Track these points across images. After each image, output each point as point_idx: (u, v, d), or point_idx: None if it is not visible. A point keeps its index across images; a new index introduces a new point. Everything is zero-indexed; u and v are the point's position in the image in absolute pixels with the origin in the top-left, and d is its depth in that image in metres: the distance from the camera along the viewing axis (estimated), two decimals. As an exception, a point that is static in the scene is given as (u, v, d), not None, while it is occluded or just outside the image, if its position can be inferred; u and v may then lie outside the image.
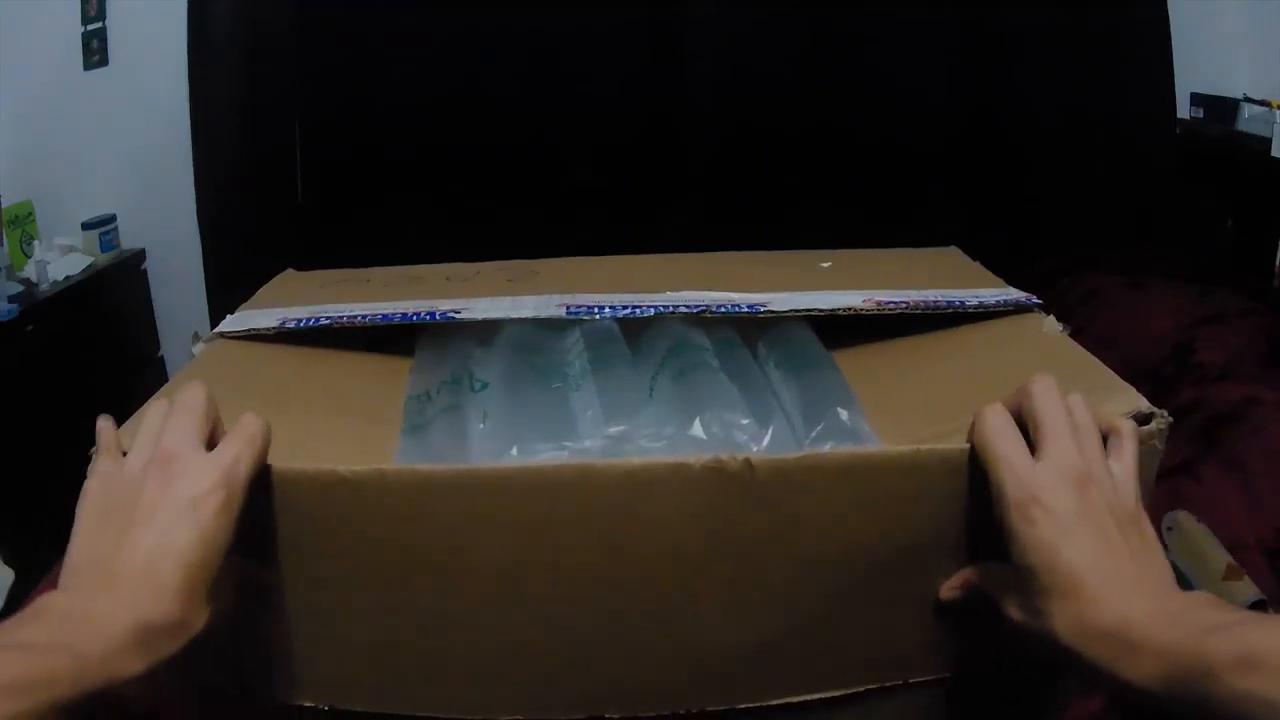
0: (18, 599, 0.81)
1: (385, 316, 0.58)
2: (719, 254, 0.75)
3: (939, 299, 0.60)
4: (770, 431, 0.48)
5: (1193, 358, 0.98)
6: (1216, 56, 1.55)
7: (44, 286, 1.57)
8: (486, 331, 0.63)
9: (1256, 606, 0.75)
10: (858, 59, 1.49)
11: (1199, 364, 0.95)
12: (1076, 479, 0.39)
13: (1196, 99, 1.57)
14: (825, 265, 0.70)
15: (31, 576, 0.75)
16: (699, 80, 1.50)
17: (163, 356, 1.80)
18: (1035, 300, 0.62)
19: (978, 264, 0.73)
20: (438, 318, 0.58)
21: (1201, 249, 1.47)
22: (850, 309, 0.57)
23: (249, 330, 0.59)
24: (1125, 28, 1.48)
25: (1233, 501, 0.56)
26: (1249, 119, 1.45)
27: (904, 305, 0.59)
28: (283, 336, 0.58)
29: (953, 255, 0.77)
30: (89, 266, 1.65)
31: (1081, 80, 1.47)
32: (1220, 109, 1.52)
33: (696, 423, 0.49)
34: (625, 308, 0.57)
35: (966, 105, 1.51)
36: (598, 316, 0.58)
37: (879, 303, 0.58)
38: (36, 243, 1.63)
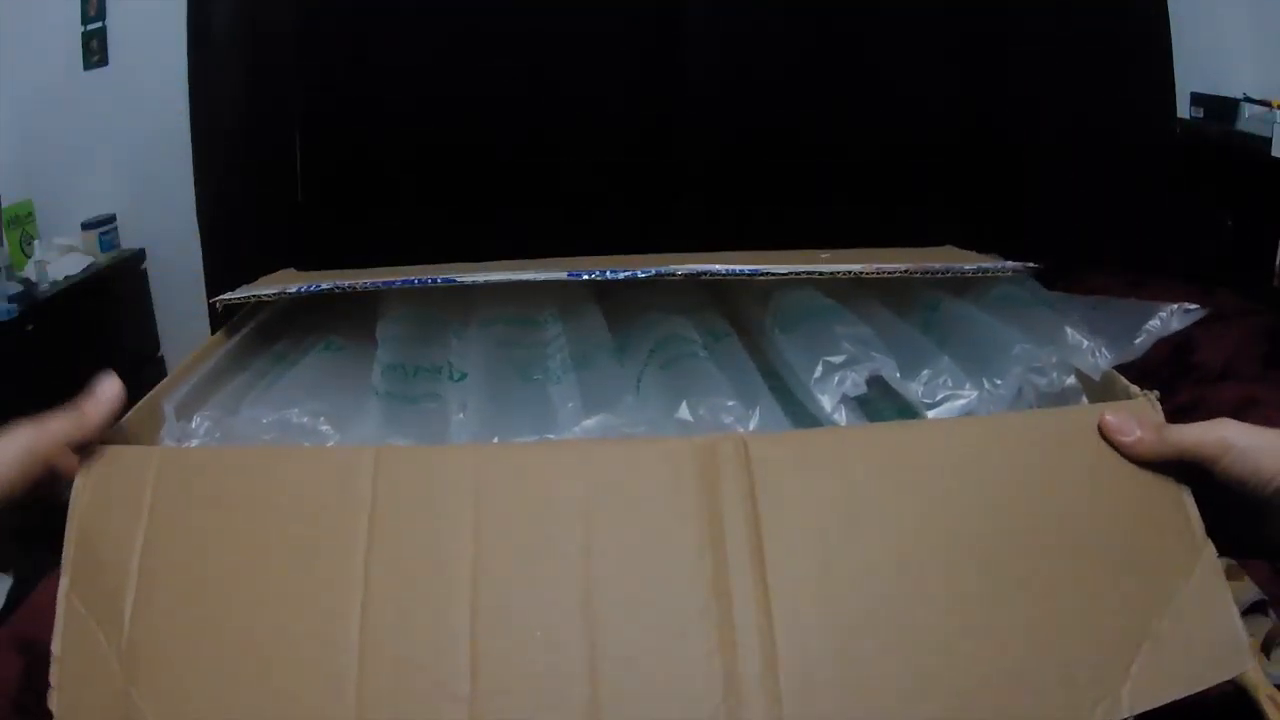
0: (16, 601, 0.81)
1: (387, 283, 0.58)
2: (718, 254, 0.76)
3: (938, 266, 0.61)
4: (757, 412, 0.48)
5: (1192, 358, 0.98)
6: (1216, 56, 1.55)
7: (44, 286, 1.57)
8: (462, 323, 0.64)
9: (1256, 607, 0.75)
10: (858, 62, 1.49)
11: (1199, 364, 0.95)
12: None
13: (1196, 99, 1.57)
14: (825, 255, 0.70)
15: (30, 577, 0.75)
16: (699, 83, 1.50)
17: (163, 356, 1.80)
18: (1033, 265, 0.63)
19: (973, 252, 0.74)
20: (438, 281, 0.57)
21: (1201, 249, 1.47)
22: (851, 273, 0.58)
23: (251, 297, 0.59)
24: (1125, 28, 1.48)
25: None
26: (1249, 119, 1.45)
27: (904, 271, 0.59)
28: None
29: (949, 250, 0.78)
30: (89, 266, 1.66)
31: (1081, 81, 1.47)
32: (1220, 109, 1.52)
33: (683, 406, 0.49)
34: (625, 271, 0.57)
35: (966, 107, 1.51)
36: (599, 278, 0.57)
37: (880, 269, 0.59)
38: (36, 242, 1.63)
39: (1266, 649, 0.70)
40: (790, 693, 0.36)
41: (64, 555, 0.42)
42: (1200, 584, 0.41)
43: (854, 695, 0.37)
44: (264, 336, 0.64)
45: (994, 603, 0.39)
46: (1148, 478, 0.43)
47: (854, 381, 0.50)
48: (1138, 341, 0.52)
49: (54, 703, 0.38)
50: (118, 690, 0.38)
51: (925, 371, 0.51)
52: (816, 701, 0.36)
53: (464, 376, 0.56)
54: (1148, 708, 0.38)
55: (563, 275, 0.57)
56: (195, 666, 0.39)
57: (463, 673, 0.38)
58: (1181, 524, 0.42)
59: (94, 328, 1.63)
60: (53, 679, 0.39)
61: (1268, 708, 0.61)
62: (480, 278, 0.57)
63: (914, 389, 0.51)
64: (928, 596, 0.39)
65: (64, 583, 0.41)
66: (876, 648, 0.38)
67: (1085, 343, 0.52)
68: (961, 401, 0.50)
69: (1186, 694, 0.38)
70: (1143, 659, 0.39)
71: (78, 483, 0.43)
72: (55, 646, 0.39)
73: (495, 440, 0.48)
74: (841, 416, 0.50)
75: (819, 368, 0.51)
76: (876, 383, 0.51)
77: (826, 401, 0.50)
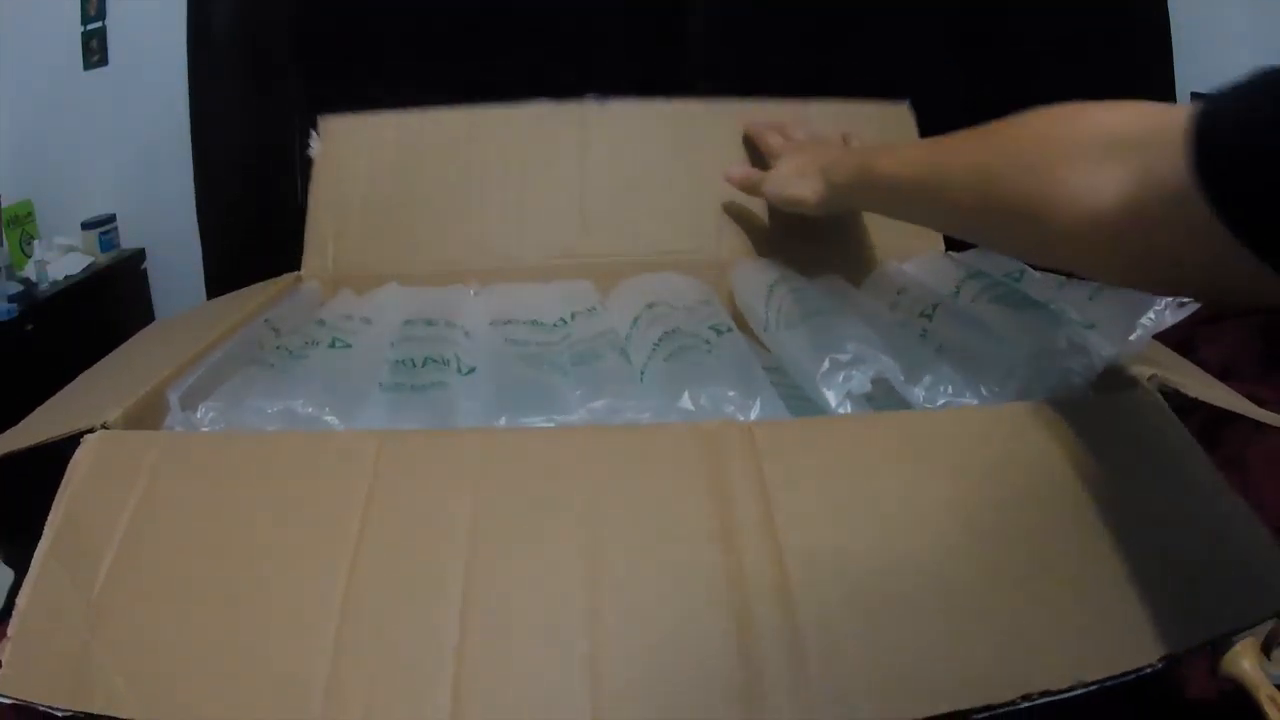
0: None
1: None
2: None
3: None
4: (758, 403, 0.49)
5: (1193, 356, 0.97)
6: (1217, 56, 1.55)
7: (44, 286, 1.57)
8: (471, 322, 0.64)
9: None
10: (858, 60, 1.49)
11: (1199, 363, 0.94)
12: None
13: (1197, 99, 1.57)
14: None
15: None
16: (699, 86, 1.50)
17: (163, 356, 1.80)
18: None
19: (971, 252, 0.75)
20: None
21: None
22: None
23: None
24: (1126, 27, 1.48)
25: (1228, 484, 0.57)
26: (1249, 119, 1.45)
27: None
28: None
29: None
30: (89, 266, 1.65)
31: (1082, 79, 1.47)
32: (1220, 109, 1.52)
33: (685, 395, 0.49)
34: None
35: (967, 106, 1.50)
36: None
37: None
38: (36, 242, 1.63)
39: (1267, 649, 0.70)
40: (818, 676, 0.34)
41: (49, 520, 0.41)
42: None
43: (880, 671, 0.35)
44: (271, 332, 0.64)
45: (1000, 561, 0.38)
46: (1137, 470, 0.43)
47: (860, 380, 0.50)
48: (1133, 338, 0.52)
49: (4, 652, 0.37)
50: (79, 642, 0.36)
51: (927, 378, 0.51)
52: (846, 684, 0.34)
53: (473, 370, 0.56)
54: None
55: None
56: (164, 621, 0.37)
57: (451, 621, 0.36)
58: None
59: (94, 327, 1.63)
60: (10, 630, 0.37)
61: (1268, 708, 0.61)
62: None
63: (916, 393, 0.51)
64: (937, 563, 0.38)
65: (43, 544, 0.40)
66: (900, 616, 0.36)
67: (1081, 345, 0.52)
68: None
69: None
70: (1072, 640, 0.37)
71: (76, 458, 0.43)
72: (21, 600, 0.38)
73: (502, 422, 0.48)
74: (846, 413, 0.50)
75: (825, 363, 0.51)
76: (878, 385, 0.51)
77: (832, 397, 0.50)
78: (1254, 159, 0.30)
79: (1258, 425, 0.57)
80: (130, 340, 0.68)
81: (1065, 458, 0.42)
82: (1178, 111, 0.35)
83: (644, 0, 1.48)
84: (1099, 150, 0.39)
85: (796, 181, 0.66)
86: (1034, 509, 0.40)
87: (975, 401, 0.50)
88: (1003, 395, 0.51)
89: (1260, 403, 0.82)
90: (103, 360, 0.63)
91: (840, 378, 0.50)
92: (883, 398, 0.52)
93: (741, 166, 0.74)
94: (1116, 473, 0.42)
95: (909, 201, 0.54)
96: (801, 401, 0.54)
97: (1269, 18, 1.52)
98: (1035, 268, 0.64)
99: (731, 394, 0.49)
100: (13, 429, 0.52)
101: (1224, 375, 0.91)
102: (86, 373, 0.61)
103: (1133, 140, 0.37)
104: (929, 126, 1.50)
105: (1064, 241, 0.41)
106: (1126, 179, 0.37)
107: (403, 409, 0.50)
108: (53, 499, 0.43)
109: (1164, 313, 0.53)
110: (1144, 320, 0.53)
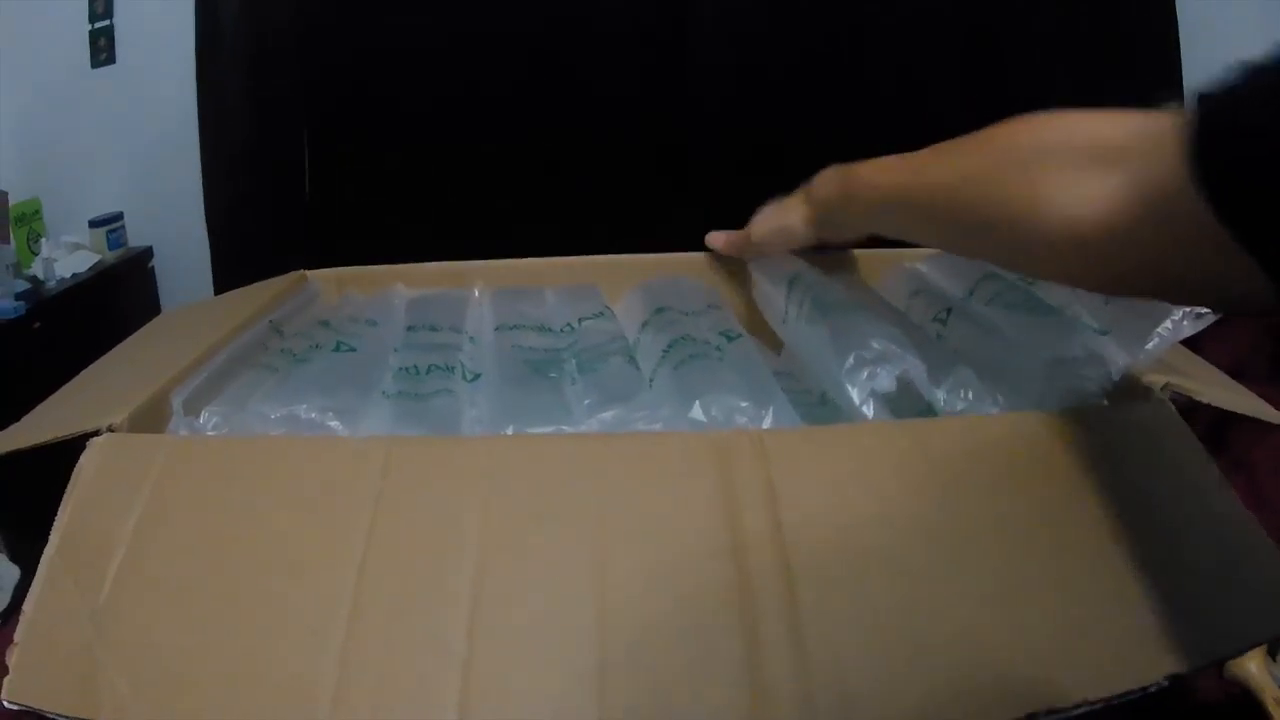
0: (22, 596, 0.82)
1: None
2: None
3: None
4: (770, 412, 0.48)
5: (1201, 356, 0.97)
6: (1225, 56, 1.54)
7: (51, 284, 1.57)
8: (476, 329, 0.64)
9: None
10: (859, 64, 1.49)
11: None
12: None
13: (1196, 99, 1.56)
14: None
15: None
16: (702, 86, 1.50)
17: (169, 354, 1.80)
18: None
19: None
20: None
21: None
22: None
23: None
24: (1133, 27, 1.48)
25: (1240, 501, 0.57)
26: (1258, 118, 1.44)
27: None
28: None
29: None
30: (96, 264, 1.66)
31: (1088, 80, 1.47)
32: (1229, 108, 1.51)
33: (696, 405, 0.48)
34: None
35: (971, 107, 1.50)
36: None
37: None
38: (44, 240, 1.63)
39: (1272, 651, 0.70)
40: (823, 693, 0.34)
41: (56, 523, 0.41)
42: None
43: (887, 689, 0.34)
44: (274, 335, 0.64)
45: (1010, 576, 0.38)
46: (1138, 483, 0.43)
47: (885, 378, 0.50)
48: (1149, 346, 0.51)
49: (11, 658, 0.37)
50: (85, 648, 0.37)
51: (949, 380, 0.51)
52: (851, 703, 0.34)
53: (478, 377, 0.56)
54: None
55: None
56: (170, 627, 0.37)
57: (459, 631, 0.36)
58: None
59: (101, 325, 1.63)
60: (18, 636, 0.38)
61: (1274, 710, 0.60)
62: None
63: (939, 395, 0.50)
64: (945, 574, 0.37)
65: (50, 548, 0.40)
66: (908, 632, 0.36)
67: (1096, 353, 0.52)
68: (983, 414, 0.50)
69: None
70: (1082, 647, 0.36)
71: (82, 462, 0.43)
72: (28, 606, 0.38)
73: (510, 430, 0.48)
74: (869, 410, 0.49)
75: (850, 359, 0.50)
76: (898, 384, 0.51)
77: (856, 394, 0.49)
78: (1257, 159, 0.29)
79: (1264, 426, 0.57)
80: (135, 335, 0.68)
81: (1077, 470, 0.42)
82: (1161, 118, 0.34)
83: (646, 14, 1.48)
84: (1083, 157, 0.38)
85: (780, 213, 0.65)
86: (1045, 523, 0.40)
87: (993, 409, 0.50)
88: (1017, 404, 0.50)
89: (1272, 404, 0.82)
90: (106, 356, 0.63)
91: (865, 375, 0.50)
92: (901, 398, 0.51)
93: (722, 232, 0.74)
94: (1128, 487, 0.42)
95: (890, 210, 0.53)
96: (814, 408, 0.53)
97: (1277, 17, 1.51)
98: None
99: (744, 404, 0.48)
100: (16, 425, 0.52)
101: (1233, 376, 0.90)
102: (90, 368, 0.61)
103: (1119, 147, 0.37)
104: (933, 130, 1.50)
105: (1046, 250, 0.40)
106: (1114, 186, 0.36)
107: (407, 418, 0.50)
108: (57, 495, 0.43)
109: (1181, 323, 0.52)
110: (1160, 330, 0.52)
